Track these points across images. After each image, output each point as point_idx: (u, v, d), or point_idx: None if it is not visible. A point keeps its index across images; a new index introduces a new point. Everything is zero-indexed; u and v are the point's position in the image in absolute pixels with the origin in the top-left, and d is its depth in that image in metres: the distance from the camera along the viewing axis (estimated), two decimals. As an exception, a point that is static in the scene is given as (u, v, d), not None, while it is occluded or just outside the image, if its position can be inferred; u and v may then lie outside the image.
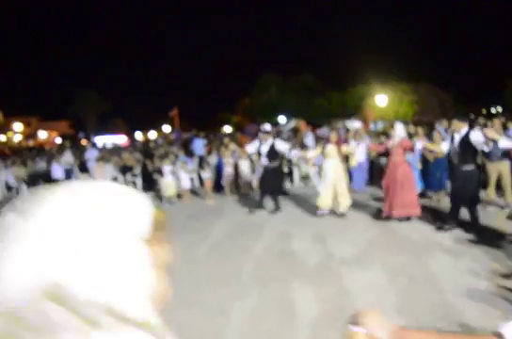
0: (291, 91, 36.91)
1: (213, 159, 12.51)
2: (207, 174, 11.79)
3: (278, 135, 21.05)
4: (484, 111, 48.12)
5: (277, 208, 8.72)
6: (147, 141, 21.42)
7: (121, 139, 34.91)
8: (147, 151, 12.93)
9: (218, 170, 11.83)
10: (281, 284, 4.82)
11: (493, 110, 48.39)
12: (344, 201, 7.95)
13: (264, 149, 8.85)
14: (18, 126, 49.40)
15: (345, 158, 9.19)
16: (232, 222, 8.16)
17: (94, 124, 53.13)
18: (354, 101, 29.01)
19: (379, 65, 28.95)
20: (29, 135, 51.75)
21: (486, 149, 7.15)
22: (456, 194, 6.64)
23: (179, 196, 11.02)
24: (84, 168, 12.86)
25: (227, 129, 56.28)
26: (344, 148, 8.36)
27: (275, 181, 8.95)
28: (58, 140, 47.95)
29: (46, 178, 13.34)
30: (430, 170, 9.25)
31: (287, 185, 11.83)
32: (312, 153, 8.61)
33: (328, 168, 7.97)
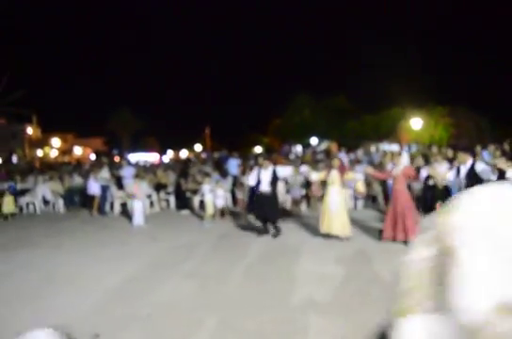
0: (323, 113, 36.88)
1: (247, 179, 12.47)
2: (241, 194, 11.77)
3: (313, 155, 20.99)
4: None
5: (277, 233, 8.60)
6: (188, 160, 21.57)
7: (154, 157, 35.41)
8: (183, 169, 12.98)
9: (253, 190, 11.75)
10: (322, 309, 4.66)
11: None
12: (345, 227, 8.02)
13: (265, 176, 8.83)
14: (56, 141, 50.86)
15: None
16: (267, 243, 8.04)
17: (128, 142, 54.27)
18: (388, 124, 28.73)
19: (414, 88, 28.65)
20: (65, 150, 53.18)
21: (493, 178, 7.40)
22: None
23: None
24: (120, 184, 13.05)
25: (257, 150, 56.57)
26: (348, 174, 8.50)
27: (270, 207, 8.73)
28: (93, 156, 49.10)
29: (82, 194, 13.58)
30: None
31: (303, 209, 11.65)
32: (316, 177, 8.86)
33: (330, 194, 8.17)
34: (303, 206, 11.89)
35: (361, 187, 9.95)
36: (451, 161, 9.86)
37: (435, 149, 11.23)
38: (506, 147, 12.02)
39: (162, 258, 7.31)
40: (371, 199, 12.52)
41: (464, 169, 7.27)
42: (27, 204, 13.70)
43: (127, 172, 12.70)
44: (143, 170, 14.25)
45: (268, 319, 4.48)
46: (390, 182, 10.51)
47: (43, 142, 52.02)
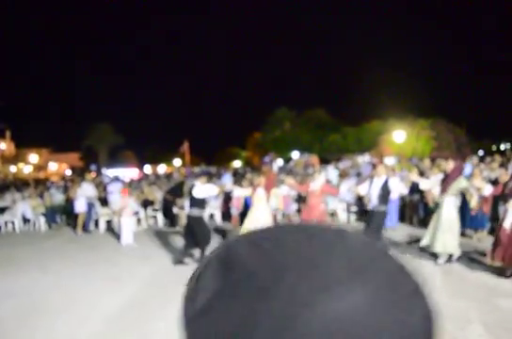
0: (304, 126, 36.94)
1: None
2: (235, 210, 11.43)
3: (289, 172, 20.83)
4: (494, 148, 48.25)
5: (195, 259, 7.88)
6: (170, 174, 21.15)
7: (133, 173, 34.68)
8: (177, 187, 12.57)
9: (246, 205, 11.43)
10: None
11: (502, 147, 48.49)
12: None
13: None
14: (33, 157, 49.54)
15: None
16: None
17: (105, 157, 53.30)
18: (369, 137, 28.87)
19: (395, 101, 29.06)
20: (40, 166, 51.83)
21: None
22: None
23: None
24: (104, 201, 12.54)
25: (236, 164, 56.35)
26: (274, 191, 8.79)
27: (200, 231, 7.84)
28: (68, 172, 47.99)
29: (65, 211, 13.02)
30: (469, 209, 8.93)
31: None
32: (239, 192, 8.97)
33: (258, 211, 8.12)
34: (297, 220, 11.62)
35: (274, 203, 9.98)
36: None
37: (427, 162, 11.15)
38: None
39: (159, 279, 6.89)
40: (364, 212, 12.32)
41: (378, 182, 7.46)
42: (6, 223, 13.04)
43: (114, 188, 12.22)
44: (129, 186, 13.75)
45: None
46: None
47: (17, 158, 50.64)
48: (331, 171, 15.18)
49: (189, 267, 7.44)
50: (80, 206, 11.79)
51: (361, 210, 12.18)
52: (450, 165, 6.94)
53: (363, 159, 23.79)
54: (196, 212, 7.79)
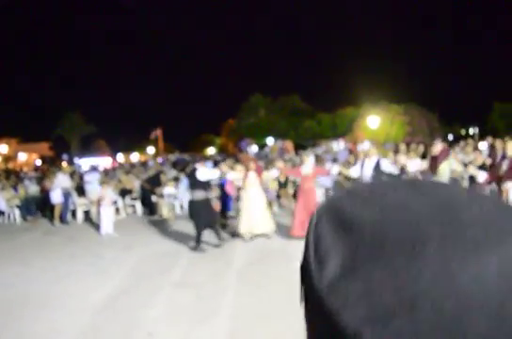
0: (279, 113, 36.99)
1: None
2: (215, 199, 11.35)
3: (265, 158, 20.92)
4: (463, 132, 49.55)
5: (220, 239, 7.94)
6: (145, 162, 20.93)
7: (107, 162, 34.15)
8: (154, 176, 12.47)
9: (222, 192, 11.42)
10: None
11: (471, 131, 49.79)
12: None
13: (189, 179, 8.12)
14: (3, 148, 48.09)
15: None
16: (251, 247, 7.76)
17: (77, 146, 52.25)
18: (344, 123, 29.15)
19: (369, 87, 29.32)
20: (9, 157, 50.44)
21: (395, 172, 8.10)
22: None
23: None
24: (81, 191, 12.35)
25: (211, 151, 56.14)
26: (263, 175, 8.86)
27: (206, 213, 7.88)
28: (38, 162, 46.92)
29: (41, 202, 12.79)
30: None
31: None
32: (231, 176, 8.90)
33: (250, 195, 8.27)
34: (275, 207, 11.71)
35: (274, 185, 10.57)
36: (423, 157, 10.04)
37: (403, 146, 11.37)
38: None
39: (144, 268, 6.88)
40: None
41: (369, 164, 7.65)
42: (-21, 216, 12.72)
43: (92, 178, 12.03)
44: (105, 175, 13.58)
45: (282, 329, 4.23)
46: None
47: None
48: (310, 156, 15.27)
49: (171, 256, 7.45)
50: (56, 197, 11.58)
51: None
52: (438, 147, 7.08)
53: (338, 145, 24.09)
54: (200, 195, 7.75)
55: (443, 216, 0.34)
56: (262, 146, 35.52)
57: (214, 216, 7.99)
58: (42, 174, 17.87)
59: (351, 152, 14.33)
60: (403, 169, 9.44)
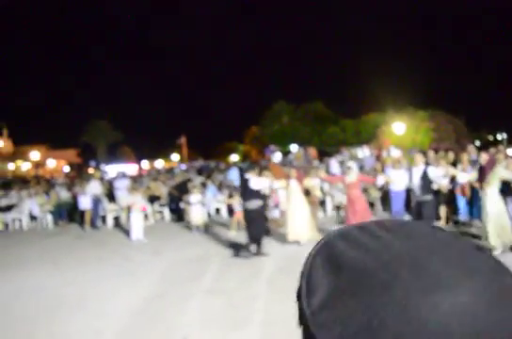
0: (302, 120, 36.98)
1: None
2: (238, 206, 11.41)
3: (288, 165, 20.88)
4: (491, 138, 48.56)
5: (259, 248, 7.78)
6: (171, 169, 21.22)
7: (132, 168, 34.69)
8: (182, 183, 12.65)
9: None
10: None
11: (499, 137, 48.77)
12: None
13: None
14: (35, 154, 49.37)
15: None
16: (280, 254, 7.80)
17: (104, 153, 53.21)
18: (368, 129, 28.94)
19: (394, 93, 29.09)
20: (38, 163, 51.71)
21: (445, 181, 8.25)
22: None
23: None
24: (111, 197, 12.63)
25: (234, 158, 56.40)
26: (305, 182, 8.81)
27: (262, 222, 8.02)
28: (67, 169, 47.94)
29: (72, 208, 13.10)
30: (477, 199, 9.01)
31: (320, 215, 11.48)
32: (279, 185, 8.95)
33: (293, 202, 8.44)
34: (321, 213, 11.64)
35: (318, 193, 10.25)
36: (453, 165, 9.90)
37: (431, 153, 11.23)
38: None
39: (174, 273, 6.99)
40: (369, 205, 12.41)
41: (417, 172, 7.57)
42: (13, 220, 13.11)
43: (121, 184, 12.29)
44: (134, 182, 13.83)
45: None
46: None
47: (15, 155, 50.50)
48: (334, 165, 15.25)
49: (200, 262, 7.54)
50: (86, 203, 11.85)
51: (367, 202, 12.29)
52: (484, 157, 7.09)
53: (362, 151, 23.90)
54: (255, 204, 7.72)
55: (416, 259, 0.42)
56: (285, 153, 35.56)
57: (261, 227, 8.03)
58: (71, 181, 18.31)
59: (378, 158, 14.22)
60: (453, 179, 9.22)
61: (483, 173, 7.00)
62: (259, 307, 5.18)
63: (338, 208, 11.96)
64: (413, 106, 27.35)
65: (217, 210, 12.89)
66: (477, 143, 35.53)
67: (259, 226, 7.78)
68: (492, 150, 10.53)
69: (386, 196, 11.38)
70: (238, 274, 6.64)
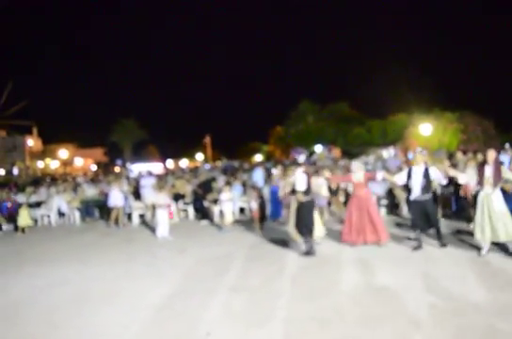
0: (327, 120, 36.83)
1: (265, 188, 12.18)
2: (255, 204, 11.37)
3: (313, 165, 20.82)
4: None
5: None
6: (196, 168, 21.44)
7: (158, 167, 35.09)
8: (206, 181, 12.75)
9: (273, 198, 11.46)
10: (392, 325, 4.42)
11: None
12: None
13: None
14: (63, 153, 50.54)
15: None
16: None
17: (129, 152, 54.01)
18: (395, 130, 28.64)
19: (421, 94, 28.65)
20: (66, 161, 52.85)
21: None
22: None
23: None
24: (137, 195, 12.83)
25: (258, 158, 56.48)
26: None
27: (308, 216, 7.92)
28: (94, 167, 48.86)
29: (100, 205, 13.35)
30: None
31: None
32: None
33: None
34: (326, 214, 11.65)
35: (325, 192, 10.25)
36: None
37: (459, 155, 11.06)
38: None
39: (198, 270, 7.05)
40: (394, 206, 12.26)
41: (418, 171, 7.54)
42: (42, 217, 13.44)
43: (147, 182, 12.47)
44: (160, 180, 13.99)
45: (335, 335, 4.25)
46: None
47: (44, 154, 51.72)
48: (355, 165, 15.10)
49: (224, 260, 7.59)
50: (117, 200, 12.06)
51: (392, 203, 12.16)
52: (491, 155, 6.83)
53: (388, 153, 23.65)
54: (309, 198, 7.85)
55: None
56: (310, 153, 35.46)
57: (308, 220, 7.99)
58: (96, 178, 18.71)
59: (407, 161, 14.03)
60: (452, 180, 9.19)
61: (487, 172, 6.85)
62: (282, 304, 5.19)
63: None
64: (441, 107, 26.94)
65: (241, 209, 12.94)
66: (507, 146, 34.58)
67: (302, 218, 7.84)
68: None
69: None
70: (262, 272, 6.66)
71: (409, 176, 7.63)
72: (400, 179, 8.01)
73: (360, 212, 7.98)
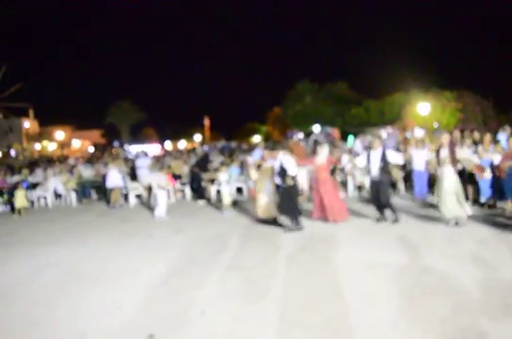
0: (326, 100, 36.50)
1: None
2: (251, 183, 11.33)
3: (315, 144, 20.70)
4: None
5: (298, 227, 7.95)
6: (193, 150, 21.33)
7: (156, 149, 34.99)
8: (201, 160, 12.70)
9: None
10: (381, 301, 4.42)
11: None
12: None
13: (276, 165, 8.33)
14: (60, 134, 50.29)
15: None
16: (300, 232, 7.77)
17: (127, 134, 53.78)
18: (392, 109, 28.41)
19: (419, 73, 28.36)
20: (64, 143, 52.63)
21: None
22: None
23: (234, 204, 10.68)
24: (133, 175, 12.78)
25: (256, 139, 56.33)
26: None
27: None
28: (91, 149, 48.69)
29: (97, 186, 13.33)
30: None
31: (342, 194, 11.39)
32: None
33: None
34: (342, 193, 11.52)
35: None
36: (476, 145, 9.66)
37: (457, 133, 10.95)
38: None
39: (194, 250, 7.04)
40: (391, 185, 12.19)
41: (375, 154, 8.07)
42: (38, 198, 13.40)
43: (143, 163, 12.40)
44: (156, 162, 13.92)
45: (331, 313, 4.24)
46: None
47: (41, 136, 51.46)
48: (358, 144, 15.06)
49: (221, 239, 7.58)
50: (116, 180, 12.02)
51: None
52: (445, 139, 7.70)
53: (386, 132, 23.51)
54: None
55: None
56: (308, 134, 35.23)
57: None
58: (93, 159, 18.65)
59: (405, 140, 13.91)
60: (410, 160, 9.50)
61: (444, 153, 7.61)
62: (278, 283, 5.19)
63: (359, 188, 11.85)
64: (439, 87, 26.66)
65: (239, 189, 12.90)
66: (506, 126, 34.37)
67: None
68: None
69: (408, 176, 11.24)
70: (258, 251, 6.65)
71: (368, 159, 8.17)
72: (360, 162, 8.61)
73: (319, 193, 8.50)
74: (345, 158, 9.17)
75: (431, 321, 3.92)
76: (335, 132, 27.77)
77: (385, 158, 8.04)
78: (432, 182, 10.95)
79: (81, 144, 55.34)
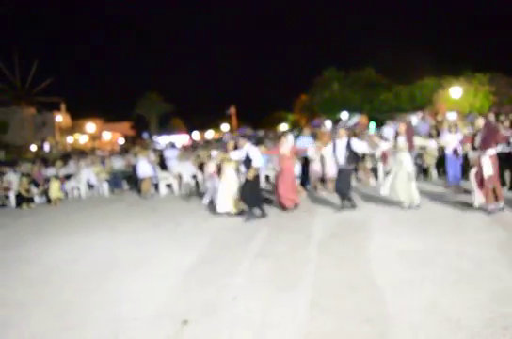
0: (353, 87, 35.91)
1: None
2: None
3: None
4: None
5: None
6: (220, 139, 21.44)
7: (184, 139, 35.30)
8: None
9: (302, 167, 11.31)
10: (416, 287, 4.34)
11: None
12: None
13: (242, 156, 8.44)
14: (91, 127, 51.34)
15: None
16: (330, 219, 7.73)
17: (155, 125, 54.39)
18: (423, 94, 27.72)
19: (450, 56, 27.49)
20: (95, 136, 53.68)
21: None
22: None
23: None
24: (163, 166, 12.94)
25: (283, 127, 56.08)
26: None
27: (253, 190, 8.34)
28: (121, 141, 49.50)
29: (129, 176, 13.56)
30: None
31: (372, 181, 11.25)
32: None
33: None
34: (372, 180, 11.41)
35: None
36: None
37: (492, 116, 10.62)
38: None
39: (223, 238, 7.08)
40: (423, 171, 11.95)
41: (341, 144, 8.33)
42: (72, 189, 13.72)
43: (171, 154, 12.54)
44: (184, 151, 14.04)
45: (364, 299, 4.20)
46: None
47: (73, 129, 52.59)
48: (387, 131, 14.77)
49: (250, 227, 7.59)
50: (147, 170, 12.21)
51: (420, 169, 11.85)
52: (402, 127, 7.97)
53: (417, 118, 23.00)
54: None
55: None
56: (336, 121, 34.85)
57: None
58: (125, 151, 18.94)
59: (438, 123, 13.55)
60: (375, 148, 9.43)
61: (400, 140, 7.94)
62: (309, 270, 5.16)
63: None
64: (471, 69, 25.80)
65: (267, 177, 12.88)
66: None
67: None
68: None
69: (441, 162, 10.96)
70: (289, 239, 6.64)
71: (334, 149, 8.42)
72: (326, 151, 8.96)
73: (285, 182, 8.77)
74: (312, 149, 9.44)
75: (469, 308, 3.82)
76: (363, 119, 27.33)
77: (350, 147, 8.26)
78: (465, 167, 10.71)
79: (111, 136, 56.28)
